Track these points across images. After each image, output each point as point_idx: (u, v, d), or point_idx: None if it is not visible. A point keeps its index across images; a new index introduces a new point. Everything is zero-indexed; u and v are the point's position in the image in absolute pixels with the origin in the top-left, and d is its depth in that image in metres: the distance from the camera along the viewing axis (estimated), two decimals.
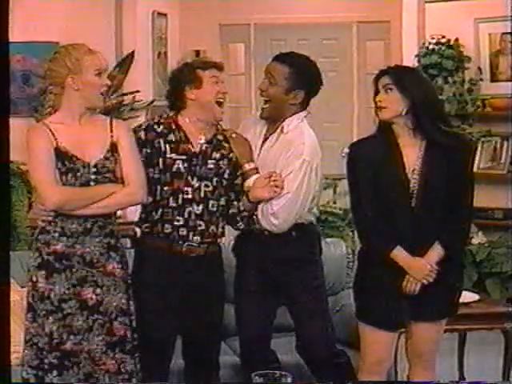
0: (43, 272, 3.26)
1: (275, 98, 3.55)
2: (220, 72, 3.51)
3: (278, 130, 3.57)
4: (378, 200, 3.34)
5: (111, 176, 3.28)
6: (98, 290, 3.28)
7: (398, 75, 3.36)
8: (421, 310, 3.39)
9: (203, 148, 3.49)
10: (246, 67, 8.65)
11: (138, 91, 6.60)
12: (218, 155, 3.50)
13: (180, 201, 3.44)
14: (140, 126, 3.54)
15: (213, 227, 3.48)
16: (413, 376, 3.53)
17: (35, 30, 6.16)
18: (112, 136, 3.32)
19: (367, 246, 3.47)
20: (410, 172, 3.33)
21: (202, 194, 3.45)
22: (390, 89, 3.33)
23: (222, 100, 3.49)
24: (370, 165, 3.35)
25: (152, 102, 6.77)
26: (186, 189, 3.44)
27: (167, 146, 3.45)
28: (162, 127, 3.49)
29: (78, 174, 3.24)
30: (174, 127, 3.49)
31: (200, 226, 3.45)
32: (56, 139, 3.23)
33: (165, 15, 7.53)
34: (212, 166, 3.48)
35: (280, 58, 3.60)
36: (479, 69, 6.80)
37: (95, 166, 3.26)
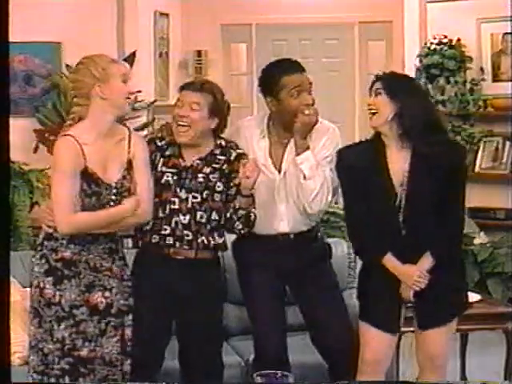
0: (51, 278, 3.25)
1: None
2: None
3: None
4: (369, 210, 3.36)
5: (127, 194, 3.29)
6: (107, 293, 3.29)
7: (389, 81, 3.40)
8: (426, 319, 3.40)
9: (194, 164, 3.49)
10: (247, 67, 8.64)
11: (139, 91, 6.58)
12: (208, 170, 3.48)
13: (167, 211, 3.44)
14: (144, 137, 3.56)
15: (202, 238, 3.45)
16: (422, 380, 3.51)
17: (37, 30, 6.15)
18: (129, 152, 3.32)
19: (360, 252, 3.52)
20: (397, 184, 3.33)
21: (190, 205, 3.44)
22: (380, 93, 3.36)
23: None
24: (358, 175, 3.36)
25: (153, 102, 6.75)
26: (172, 199, 3.45)
27: (161, 159, 3.49)
28: (163, 142, 3.52)
29: (101, 196, 3.25)
30: (172, 142, 3.51)
31: (187, 236, 3.44)
32: (85, 158, 3.21)
33: (166, 15, 7.52)
34: (202, 179, 3.47)
35: (301, 68, 3.67)
36: (481, 69, 6.79)
37: (115, 187, 3.27)
